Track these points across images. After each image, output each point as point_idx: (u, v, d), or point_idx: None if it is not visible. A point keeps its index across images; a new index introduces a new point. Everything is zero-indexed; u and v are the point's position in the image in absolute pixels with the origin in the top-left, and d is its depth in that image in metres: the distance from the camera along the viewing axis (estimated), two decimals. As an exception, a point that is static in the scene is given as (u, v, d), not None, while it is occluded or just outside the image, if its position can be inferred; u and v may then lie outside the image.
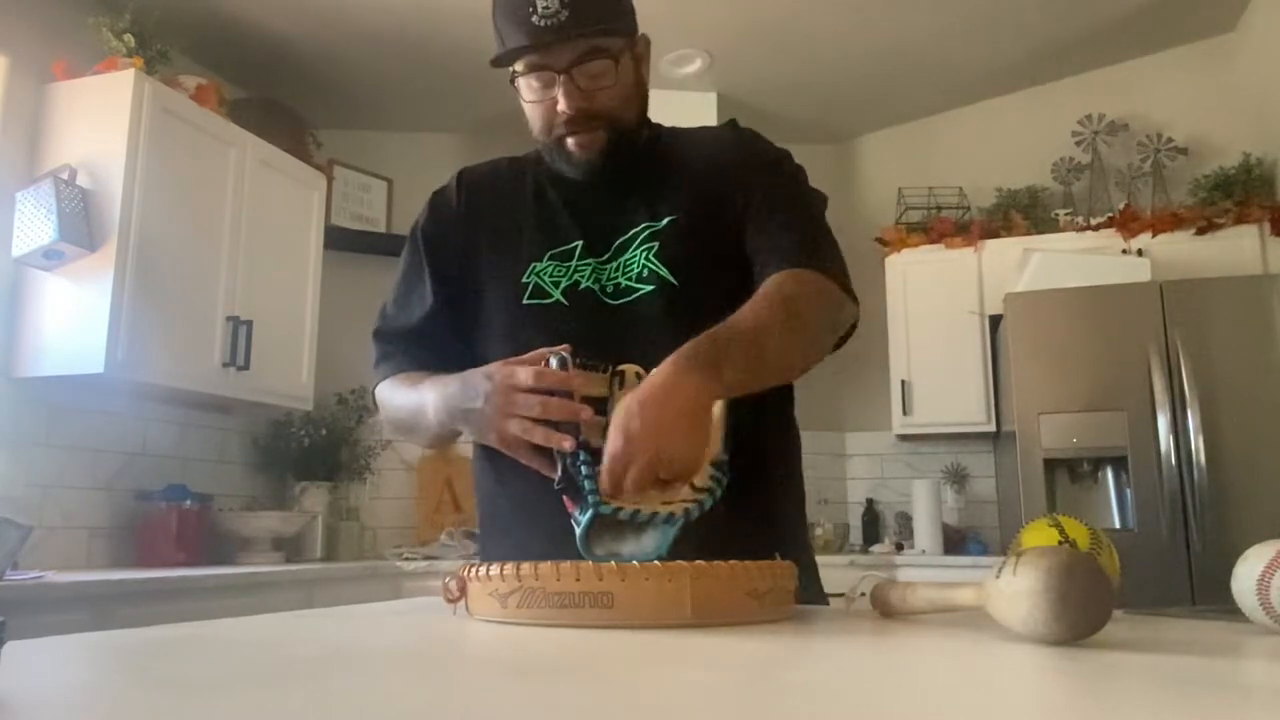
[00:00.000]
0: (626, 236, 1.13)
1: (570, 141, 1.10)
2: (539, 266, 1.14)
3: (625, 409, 0.88)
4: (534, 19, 1.01)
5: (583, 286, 1.12)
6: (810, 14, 3.56)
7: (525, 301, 1.13)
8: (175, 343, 2.90)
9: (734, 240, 1.14)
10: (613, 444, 0.86)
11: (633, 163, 1.14)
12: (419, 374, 1.16)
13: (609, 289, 1.12)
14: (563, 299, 1.11)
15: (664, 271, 1.10)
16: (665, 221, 1.12)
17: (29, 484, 2.73)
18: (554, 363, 0.95)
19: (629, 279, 1.11)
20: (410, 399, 1.12)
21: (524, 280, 1.14)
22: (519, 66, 1.07)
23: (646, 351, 0.98)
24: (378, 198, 4.18)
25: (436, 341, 1.20)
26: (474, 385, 0.98)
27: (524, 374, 0.93)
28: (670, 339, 0.96)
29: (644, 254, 1.11)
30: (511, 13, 1.04)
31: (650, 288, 1.10)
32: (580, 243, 1.14)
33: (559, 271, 1.13)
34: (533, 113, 1.12)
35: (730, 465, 0.92)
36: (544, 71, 1.07)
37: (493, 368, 0.98)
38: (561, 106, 1.07)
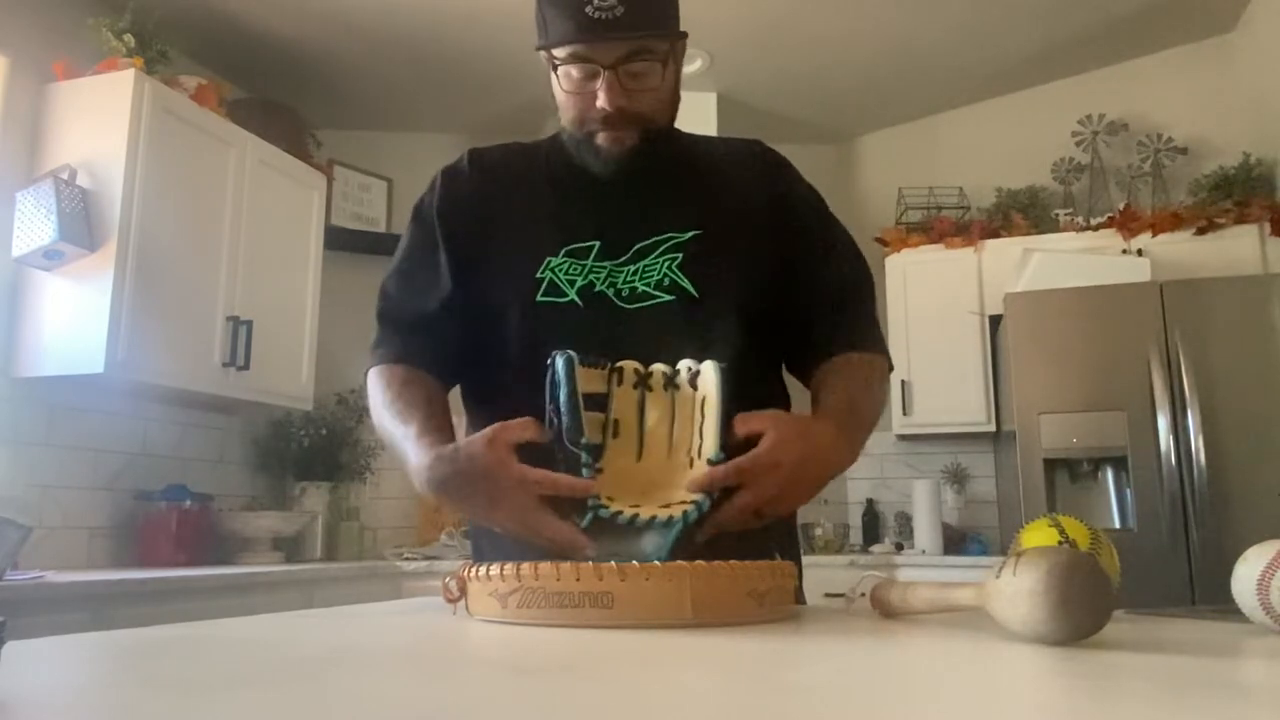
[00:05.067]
0: (647, 242, 1.11)
1: (601, 137, 1.08)
2: (554, 262, 1.11)
3: (785, 443, 0.92)
4: (588, 9, 0.99)
5: (597, 289, 1.10)
6: (810, 14, 3.56)
7: (539, 299, 1.10)
8: (175, 343, 2.90)
9: (756, 262, 1.14)
10: (762, 462, 0.90)
11: (659, 167, 1.13)
12: (411, 389, 1.11)
13: (624, 292, 1.10)
14: (578, 299, 1.09)
15: (686, 283, 1.09)
16: (690, 234, 1.11)
17: (29, 484, 2.73)
18: (559, 363, 0.94)
19: (647, 285, 1.10)
20: (396, 434, 1.07)
21: (538, 275, 1.10)
22: (563, 55, 1.05)
23: (655, 359, 0.99)
24: (378, 198, 4.18)
25: (445, 331, 1.16)
26: (470, 480, 0.93)
27: (544, 482, 0.90)
28: (683, 349, 0.99)
29: (666, 263, 1.10)
30: (564, 1, 1.02)
31: (669, 297, 1.09)
32: (598, 243, 1.11)
33: (574, 269, 1.10)
34: (567, 103, 1.09)
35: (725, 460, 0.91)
36: (589, 64, 1.04)
37: (492, 464, 0.91)
38: (601, 103, 1.04)
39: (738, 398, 0.95)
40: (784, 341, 1.20)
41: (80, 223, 2.67)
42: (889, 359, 1.20)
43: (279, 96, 3.73)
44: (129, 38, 2.88)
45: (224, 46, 3.52)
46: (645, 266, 1.10)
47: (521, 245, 1.13)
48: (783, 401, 1.20)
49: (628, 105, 1.05)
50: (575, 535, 0.88)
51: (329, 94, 3.93)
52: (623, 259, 1.11)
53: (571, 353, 0.94)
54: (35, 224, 2.63)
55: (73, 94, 2.85)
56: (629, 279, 1.10)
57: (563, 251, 1.11)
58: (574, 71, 1.05)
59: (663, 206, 1.13)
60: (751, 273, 1.14)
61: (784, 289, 1.17)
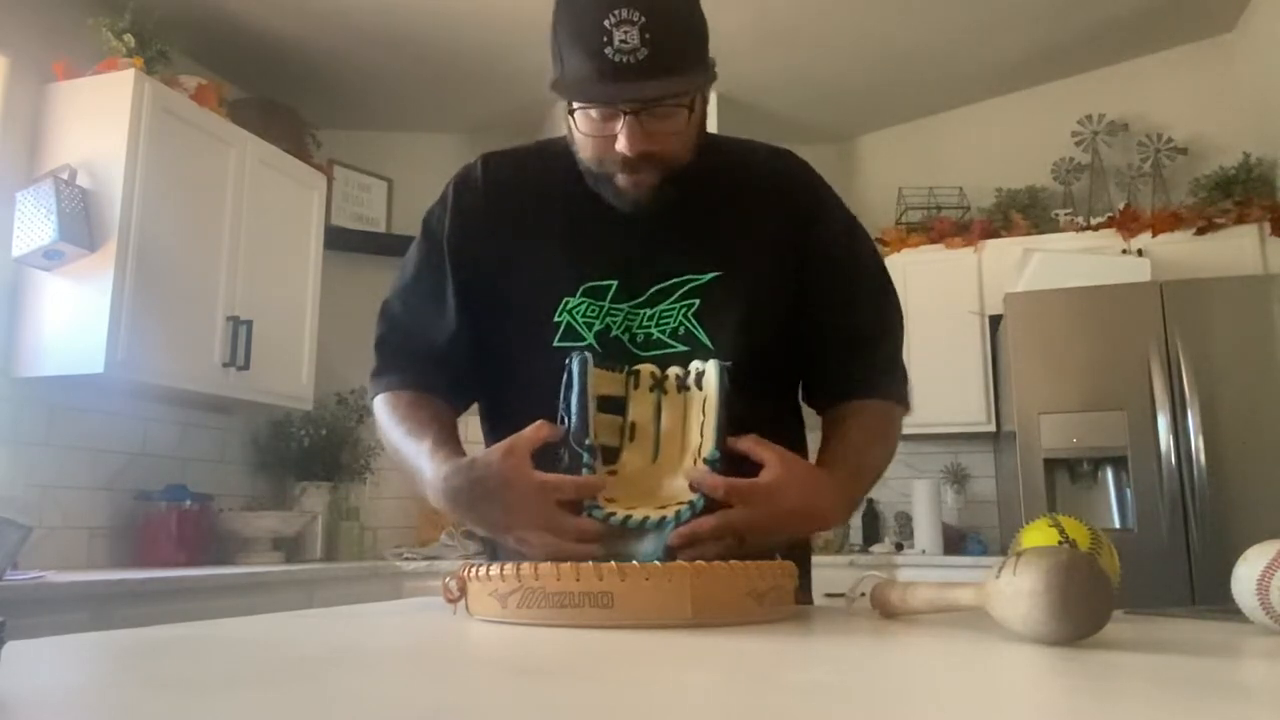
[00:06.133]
0: (665, 285, 1.07)
1: (621, 179, 1.01)
2: (571, 303, 1.06)
3: (787, 484, 0.91)
4: (607, 51, 0.91)
5: (613, 334, 1.05)
6: (811, 15, 3.56)
7: (557, 344, 1.05)
8: (175, 343, 2.90)
9: (775, 304, 1.10)
10: (759, 493, 0.90)
11: (680, 204, 1.05)
12: (422, 411, 1.09)
13: (639, 338, 1.06)
14: (595, 343, 1.05)
15: (700, 334, 1.05)
16: (709, 277, 1.06)
17: (29, 484, 2.72)
18: (574, 364, 0.94)
19: (661, 332, 1.06)
20: (408, 453, 1.06)
21: (556, 319, 1.06)
22: (580, 100, 0.98)
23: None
24: (378, 198, 4.18)
25: (454, 364, 1.12)
26: (487, 488, 0.92)
27: (564, 486, 0.90)
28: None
29: (682, 310, 1.06)
30: (582, 38, 0.93)
31: (683, 348, 1.05)
32: (615, 282, 1.06)
33: (591, 311, 1.06)
34: (584, 143, 1.02)
35: (723, 462, 0.91)
36: (608, 106, 0.97)
37: (509, 471, 0.91)
38: (622, 147, 0.97)
39: (751, 428, 0.95)
40: (802, 377, 1.18)
41: (80, 223, 2.67)
42: (907, 403, 1.16)
43: (279, 96, 3.72)
44: (129, 38, 2.88)
45: (224, 46, 3.51)
46: (662, 312, 1.06)
47: (538, 283, 1.08)
48: (797, 440, 1.17)
49: (650, 149, 0.98)
50: (600, 527, 0.88)
51: (329, 94, 3.93)
52: (640, 300, 1.07)
53: (588, 354, 0.95)
54: (35, 224, 2.63)
55: (73, 94, 2.85)
56: (644, 324, 1.06)
57: (580, 290, 1.06)
58: (593, 113, 0.98)
59: (683, 247, 1.08)
60: (770, 318, 1.10)
61: (804, 329, 1.13)
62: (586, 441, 0.92)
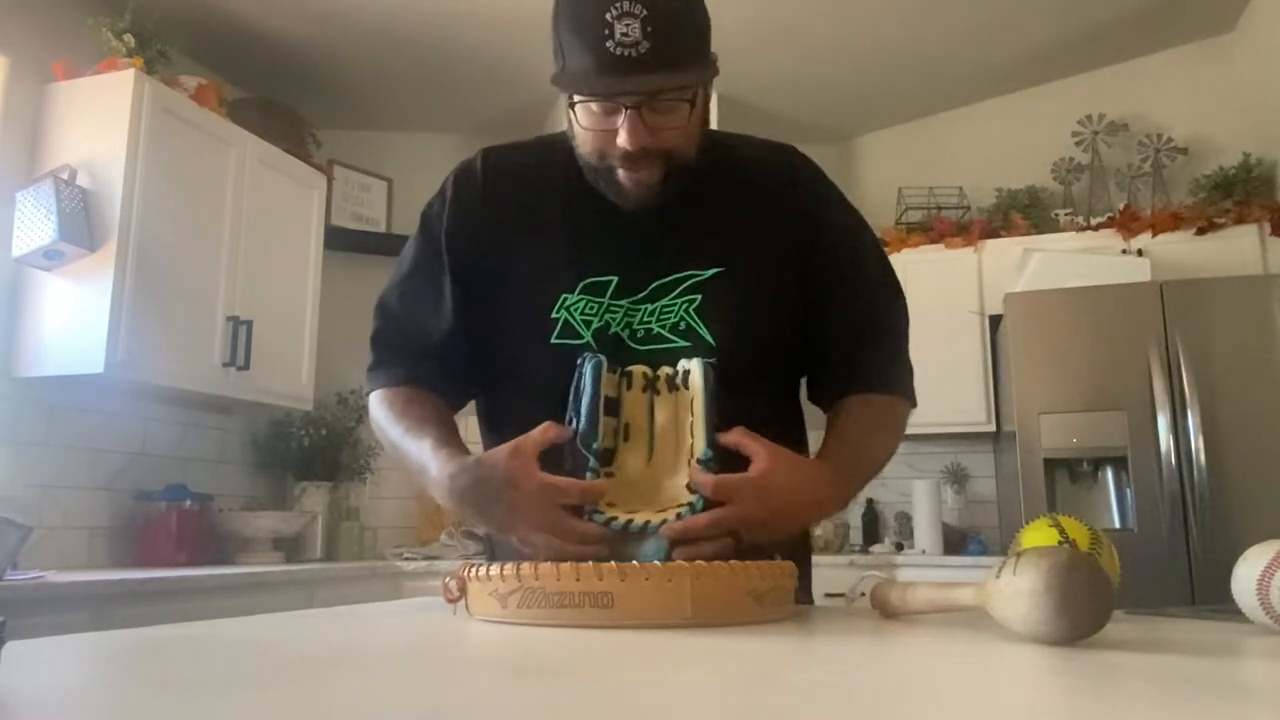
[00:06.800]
0: (667, 280, 1.06)
1: (623, 174, 1.00)
2: (570, 300, 1.05)
3: (777, 475, 0.91)
4: (608, 44, 0.90)
5: (611, 330, 1.05)
6: (811, 14, 3.56)
7: (553, 340, 1.04)
8: (175, 343, 2.90)
9: (778, 299, 1.09)
10: (749, 487, 0.90)
11: (682, 199, 1.04)
12: (419, 408, 1.09)
13: (639, 333, 1.05)
14: (592, 341, 1.04)
15: (702, 330, 1.04)
16: (711, 272, 1.05)
17: (29, 484, 2.72)
18: (588, 369, 0.95)
19: (662, 327, 1.05)
20: (409, 450, 1.05)
21: (553, 315, 1.05)
22: (581, 93, 0.97)
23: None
24: (378, 198, 4.18)
25: (451, 359, 1.12)
26: (492, 487, 0.92)
27: (570, 490, 0.90)
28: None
29: (683, 305, 1.05)
30: (583, 31, 0.92)
31: (684, 343, 1.04)
32: (616, 278, 1.05)
33: (590, 308, 1.05)
34: (584, 137, 1.01)
35: (716, 460, 0.91)
36: (609, 100, 0.96)
37: (514, 471, 0.91)
38: (622, 141, 0.96)
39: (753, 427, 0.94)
40: (805, 374, 1.17)
41: (80, 223, 2.67)
42: (911, 398, 1.16)
43: (279, 96, 3.72)
44: (129, 38, 2.88)
45: (224, 46, 3.51)
46: (663, 307, 1.05)
47: (536, 279, 1.07)
48: (797, 438, 1.16)
49: (651, 143, 0.97)
50: (601, 530, 0.88)
51: (329, 94, 3.93)
52: (640, 296, 1.06)
53: (601, 358, 0.95)
54: (35, 224, 2.63)
55: (73, 94, 2.85)
56: (645, 319, 1.05)
57: (579, 287, 1.05)
58: (593, 107, 0.98)
59: (685, 241, 1.07)
60: (772, 314, 1.09)
61: (807, 324, 1.12)
62: (594, 445, 0.92)
